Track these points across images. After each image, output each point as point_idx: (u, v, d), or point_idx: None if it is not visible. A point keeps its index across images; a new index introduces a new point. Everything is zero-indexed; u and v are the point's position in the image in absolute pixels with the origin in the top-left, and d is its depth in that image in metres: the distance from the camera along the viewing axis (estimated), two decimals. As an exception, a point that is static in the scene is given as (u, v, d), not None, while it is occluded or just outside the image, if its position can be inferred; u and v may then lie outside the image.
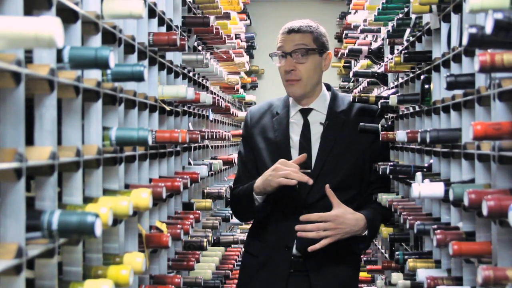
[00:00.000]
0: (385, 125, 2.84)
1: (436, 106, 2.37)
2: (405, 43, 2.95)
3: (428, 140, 2.13)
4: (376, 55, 3.77)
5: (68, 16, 1.67)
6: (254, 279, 2.81)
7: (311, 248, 2.59)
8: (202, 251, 3.03)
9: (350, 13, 5.87)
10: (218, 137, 3.71)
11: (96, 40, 1.83)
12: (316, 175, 2.71)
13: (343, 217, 2.60)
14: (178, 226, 2.48)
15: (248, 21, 7.17)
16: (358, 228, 2.66)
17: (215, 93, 4.41)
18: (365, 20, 4.34)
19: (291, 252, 2.73)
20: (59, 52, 1.54)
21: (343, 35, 6.34)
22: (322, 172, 2.73)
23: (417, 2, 2.41)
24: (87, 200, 1.74)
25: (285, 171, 2.59)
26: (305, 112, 2.82)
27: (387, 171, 2.59)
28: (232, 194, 2.91)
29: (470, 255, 1.87)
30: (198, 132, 2.98)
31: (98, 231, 1.43)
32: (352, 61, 6.76)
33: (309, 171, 2.72)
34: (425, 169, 2.47)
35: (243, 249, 3.04)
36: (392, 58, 3.00)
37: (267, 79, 8.82)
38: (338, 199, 2.64)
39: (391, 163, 2.63)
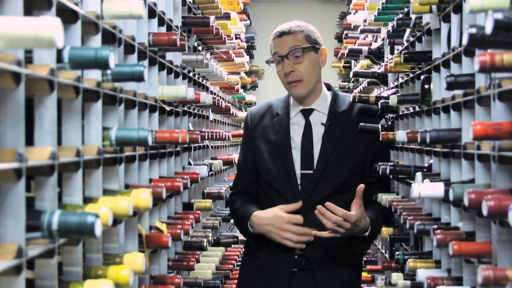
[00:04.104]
0: (385, 125, 2.84)
1: (436, 106, 2.37)
2: (405, 43, 2.95)
3: (428, 140, 2.13)
4: (376, 55, 3.77)
5: (68, 16, 1.67)
6: (254, 279, 2.80)
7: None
8: (202, 251, 3.03)
9: (350, 13, 5.87)
10: (218, 137, 3.71)
11: (96, 40, 1.83)
12: (318, 176, 2.71)
13: (359, 221, 2.59)
14: (178, 226, 2.48)
15: (248, 21, 7.17)
16: (363, 232, 2.66)
17: (215, 93, 4.41)
18: (365, 20, 4.34)
19: (293, 251, 2.72)
20: (59, 52, 1.54)
21: (343, 35, 6.33)
22: (324, 173, 2.71)
23: (417, 2, 2.41)
24: (87, 200, 1.74)
25: (291, 236, 2.66)
26: (306, 113, 2.81)
27: (387, 171, 2.59)
28: (230, 208, 2.92)
29: (470, 255, 1.87)
30: (198, 132, 2.98)
31: (98, 231, 1.43)
32: (352, 61, 6.76)
33: (311, 172, 2.71)
34: (425, 169, 2.47)
35: (243, 249, 3.04)
36: (392, 58, 3.00)
37: (267, 79, 8.81)
38: (362, 201, 2.61)
39: (391, 163, 2.62)
